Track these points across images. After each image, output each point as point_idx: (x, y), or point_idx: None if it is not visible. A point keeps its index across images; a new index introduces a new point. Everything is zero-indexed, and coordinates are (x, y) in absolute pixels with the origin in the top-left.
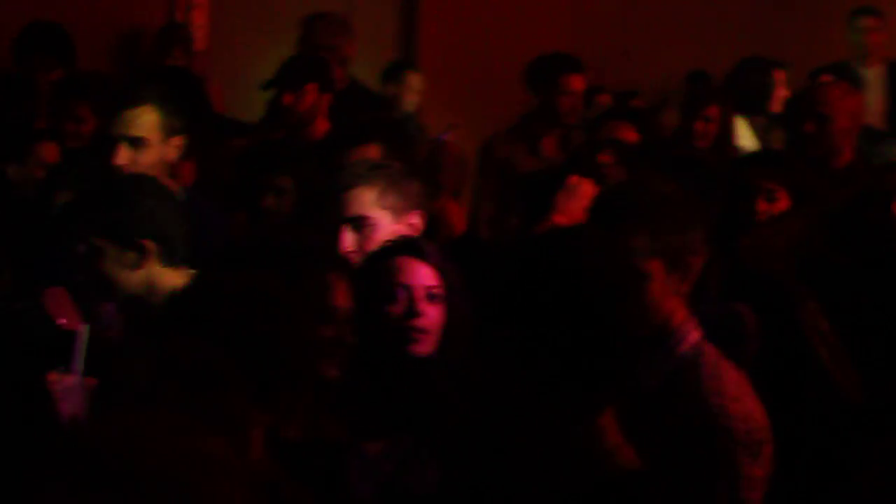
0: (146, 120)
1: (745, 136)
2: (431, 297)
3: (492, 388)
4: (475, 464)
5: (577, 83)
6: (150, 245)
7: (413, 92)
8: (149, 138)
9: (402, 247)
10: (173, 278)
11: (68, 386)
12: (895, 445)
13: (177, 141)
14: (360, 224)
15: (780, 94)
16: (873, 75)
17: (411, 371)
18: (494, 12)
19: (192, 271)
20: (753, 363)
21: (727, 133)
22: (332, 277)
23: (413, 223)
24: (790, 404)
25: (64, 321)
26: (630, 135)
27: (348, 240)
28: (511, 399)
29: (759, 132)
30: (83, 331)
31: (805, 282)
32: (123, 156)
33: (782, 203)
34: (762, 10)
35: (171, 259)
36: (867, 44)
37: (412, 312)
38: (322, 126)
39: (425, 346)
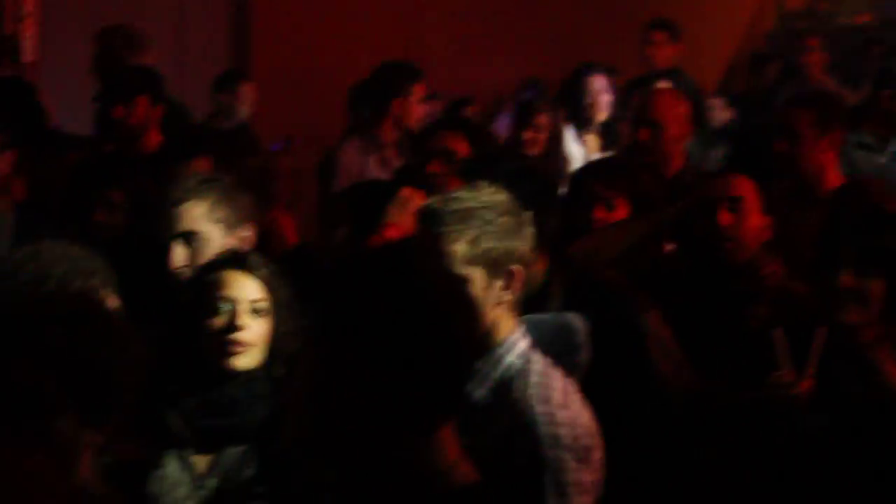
0: None
1: (573, 143)
2: (256, 311)
3: (328, 403)
4: (306, 478)
5: (421, 91)
6: None
7: (246, 102)
8: None
9: (229, 260)
10: None
11: None
12: (726, 452)
13: (8, 155)
14: (191, 238)
15: (606, 99)
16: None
17: (233, 384)
18: (327, 22)
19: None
20: (590, 370)
21: (557, 141)
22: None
23: (245, 236)
24: (627, 410)
25: None
26: (461, 145)
27: (179, 254)
28: (348, 414)
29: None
30: None
31: (643, 289)
32: None
33: (621, 211)
34: (595, 18)
35: None
36: (655, 57)
37: (233, 326)
38: (154, 139)
39: (247, 360)
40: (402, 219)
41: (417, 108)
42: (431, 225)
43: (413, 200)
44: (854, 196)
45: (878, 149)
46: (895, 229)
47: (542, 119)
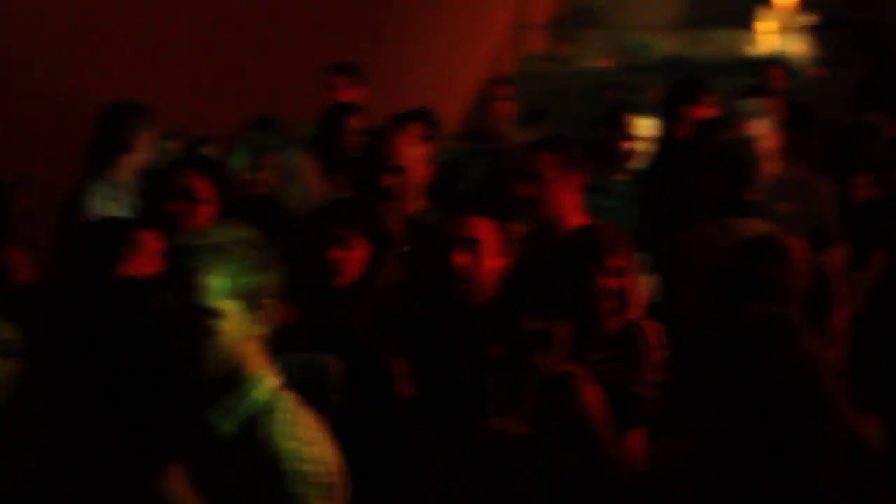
0: None
1: (322, 182)
2: (5, 352)
3: (62, 442)
4: None
5: (155, 130)
6: None
7: None
8: None
9: None
10: None
11: None
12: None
13: None
14: None
15: (356, 140)
16: None
17: None
18: (63, 57)
19: None
20: (341, 411)
21: (289, 181)
22: None
23: None
24: (371, 450)
25: None
26: (201, 183)
27: None
28: (76, 450)
29: None
30: None
31: (393, 335)
32: None
33: (359, 251)
34: (334, 56)
35: None
36: (337, 101)
37: None
38: None
39: None
40: (137, 259)
41: (152, 148)
42: (184, 260)
43: (148, 242)
44: (579, 240)
45: (605, 189)
46: (575, 273)
47: (271, 160)
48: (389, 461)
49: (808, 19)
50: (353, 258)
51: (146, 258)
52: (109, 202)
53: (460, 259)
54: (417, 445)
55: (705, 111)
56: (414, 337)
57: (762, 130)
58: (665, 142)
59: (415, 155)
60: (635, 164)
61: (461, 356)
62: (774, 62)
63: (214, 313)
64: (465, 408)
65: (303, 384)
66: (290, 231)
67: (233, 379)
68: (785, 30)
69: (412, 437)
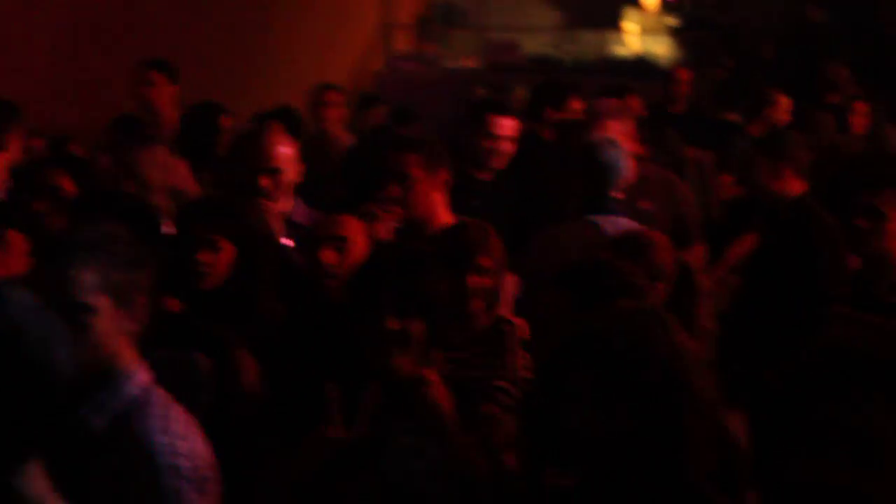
0: None
1: (190, 181)
2: None
3: None
4: None
5: (22, 128)
6: None
7: None
8: None
9: None
10: None
11: None
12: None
13: None
14: None
15: (227, 140)
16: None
17: None
18: None
19: None
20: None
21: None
22: None
23: None
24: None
25: None
26: (66, 181)
27: None
28: None
29: None
30: None
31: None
32: None
33: (226, 253)
34: (209, 56)
35: None
36: (152, 97)
37: None
38: None
39: None
40: (4, 260)
41: (20, 147)
42: (57, 257)
43: (15, 242)
44: (450, 239)
45: (469, 189)
46: (428, 269)
47: (133, 157)
48: (238, 460)
49: (672, 21)
50: (220, 261)
51: (13, 258)
52: None
53: (327, 256)
54: (258, 446)
55: (570, 115)
56: (275, 334)
57: (620, 130)
58: (528, 142)
59: (288, 154)
60: (499, 163)
61: (317, 355)
62: (682, 65)
63: (86, 308)
64: (310, 410)
65: (171, 381)
66: (151, 229)
67: (104, 374)
68: (650, 31)
69: (256, 436)
